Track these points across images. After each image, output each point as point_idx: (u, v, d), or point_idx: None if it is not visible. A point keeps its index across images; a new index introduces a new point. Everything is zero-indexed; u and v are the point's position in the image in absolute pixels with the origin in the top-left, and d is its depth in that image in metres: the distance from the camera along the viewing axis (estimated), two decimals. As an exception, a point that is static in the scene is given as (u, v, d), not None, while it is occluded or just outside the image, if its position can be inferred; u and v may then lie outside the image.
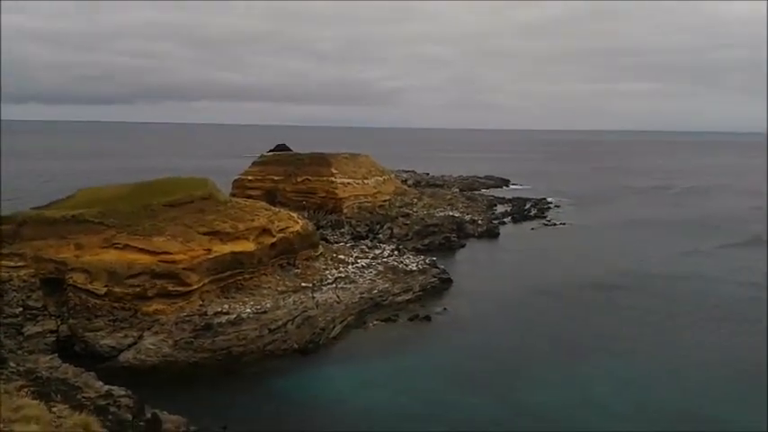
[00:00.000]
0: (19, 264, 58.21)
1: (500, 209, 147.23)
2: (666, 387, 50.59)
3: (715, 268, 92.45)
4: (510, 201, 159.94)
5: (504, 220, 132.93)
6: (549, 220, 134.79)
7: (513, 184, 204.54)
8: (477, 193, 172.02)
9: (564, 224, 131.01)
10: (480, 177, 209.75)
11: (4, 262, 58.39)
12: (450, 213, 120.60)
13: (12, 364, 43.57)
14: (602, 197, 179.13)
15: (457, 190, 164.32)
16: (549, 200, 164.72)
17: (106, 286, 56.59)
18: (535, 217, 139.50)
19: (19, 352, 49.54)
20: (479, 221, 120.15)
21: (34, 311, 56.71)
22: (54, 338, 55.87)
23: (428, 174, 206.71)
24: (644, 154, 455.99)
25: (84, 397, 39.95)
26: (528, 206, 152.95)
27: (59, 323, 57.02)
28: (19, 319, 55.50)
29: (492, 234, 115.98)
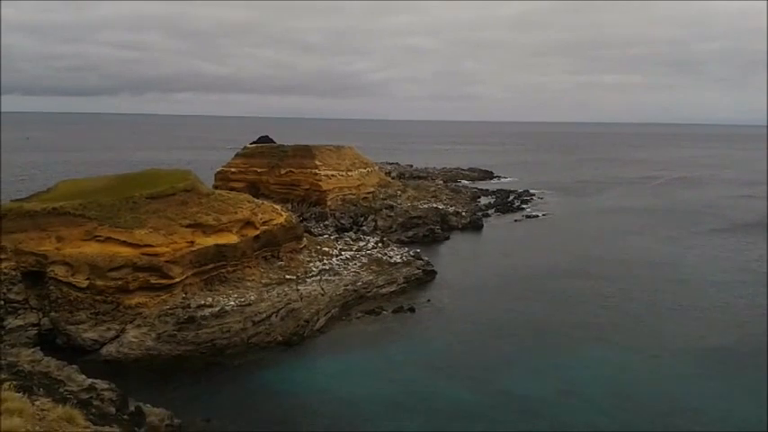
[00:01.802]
0: (-1, 257, 57.56)
1: (484, 200, 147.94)
2: (648, 376, 51.18)
3: (698, 256, 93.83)
4: (494, 192, 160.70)
5: (488, 211, 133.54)
6: (532, 212, 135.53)
7: (496, 176, 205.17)
8: (460, 185, 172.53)
9: (547, 215, 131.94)
10: (464, 169, 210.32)
11: (-17, 255, 57.73)
12: (434, 205, 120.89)
13: (-7, 358, 43.14)
14: (586, 188, 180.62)
15: (441, 182, 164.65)
16: (533, 191, 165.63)
17: (88, 279, 56.15)
18: (519, 208, 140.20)
19: (0, 345, 49.04)
20: (463, 213, 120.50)
21: (15, 305, 56.14)
22: (36, 332, 55.36)
23: (412, 166, 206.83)
24: (628, 145, 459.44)
25: (66, 390, 39.66)
26: (511, 198, 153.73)
27: (41, 316, 56.51)
28: (0, 312, 54.96)
29: (476, 226, 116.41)
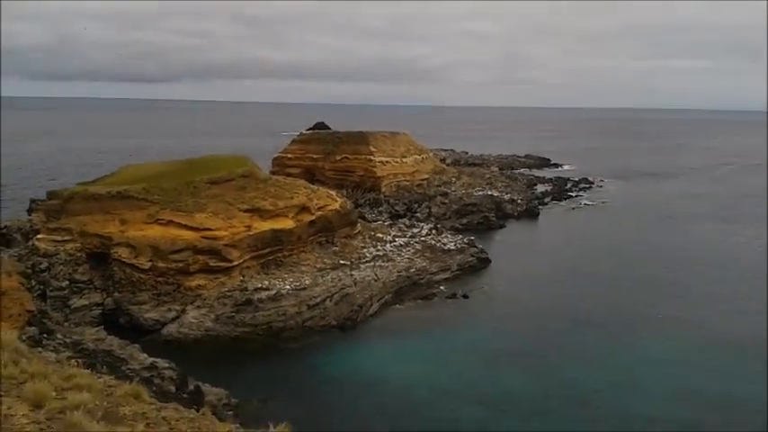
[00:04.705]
0: (66, 238, 59.79)
1: (540, 188, 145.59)
2: (707, 369, 49.80)
3: (763, 247, 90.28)
4: (551, 180, 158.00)
5: (545, 199, 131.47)
6: (590, 200, 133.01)
7: (554, 164, 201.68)
8: (517, 172, 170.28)
9: (606, 203, 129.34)
10: (521, 156, 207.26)
11: (51, 236, 60.09)
12: (489, 193, 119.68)
13: (59, 336, 44.94)
14: (649, 175, 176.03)
15: (496, 169, 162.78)
16: (591, 179, 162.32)
17: (150, 261, 57.84)
18: (576, 196, 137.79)
19: (66, 324, 51.06)
20: (519, 201, 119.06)
21: (80, 285, 58.32)
22: (99, 311, 57.46)
23: (467, 153, 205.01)
24: (693, 132, 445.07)
25: (128, 368, 41.12)
26: (569, 185, 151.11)
27: (105, 296, 58.60)
28: (65, 292, 57.16)
29: (532, 214, 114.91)
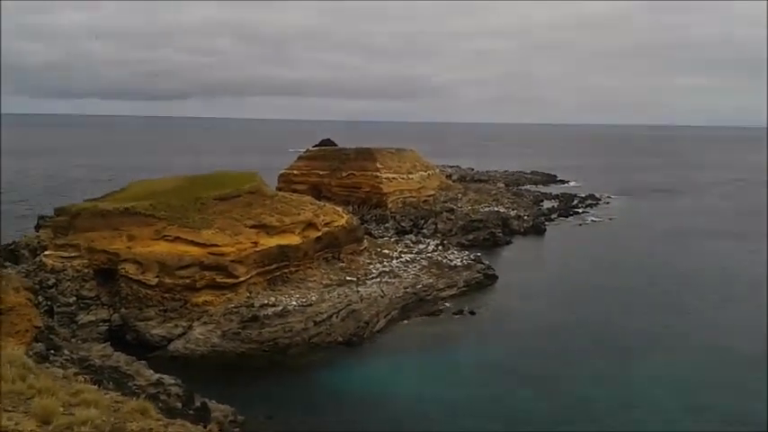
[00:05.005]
0: (73, 254, 60.01)
1: (547, 204, 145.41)
2: (718, 386, 49.38)
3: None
4: (557, 196, 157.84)
5: (551, 216, 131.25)
6: (597, 216, 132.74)
7: (560, 180, 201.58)
8: (523, 188, 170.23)
9: (613, 219, 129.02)
10: (527, 173, 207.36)
11: (58, 252, 60.33)
12: (496, 209, 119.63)
13: (66, 352, 44.99)
14: (657, 192, 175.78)
15: (503, 185, 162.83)
16: (598, 195, 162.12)
17: (157, 277, 57.96)
18: (583, 213, 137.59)
19: (73, 340, 51.08)
20: (525, 217, 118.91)
21: (87, 301, 58.44)
22: (106, 327, 57.48)
23: (473, 169, 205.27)
24: (701, 148, 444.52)
25: (135, 385, 41.09)
26: (575, 202, 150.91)
27: (112, 312, 58.64)
28: (73, 308, 57.28)
29: (538, 230, 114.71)
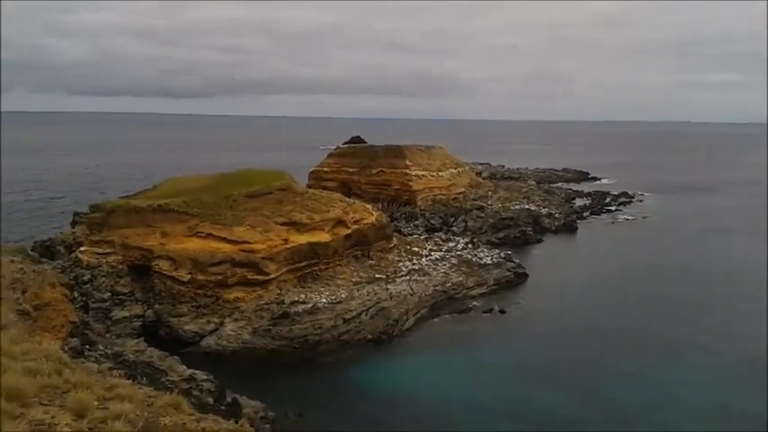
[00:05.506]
0: (108, 251, 60.98)
1: (579, 202, 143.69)
2: (747, 386, 48.39)
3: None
4: (589, 194, 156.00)
5: (583, 213, 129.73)
6: (630, 214, 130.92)
7: (592, 177, 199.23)
8: (554, 186, 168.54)
9: (647, 217, 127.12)
10: (558, 170, 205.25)
11: (93, 249, 61.34)
12: (527, 207, 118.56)
13: (100, 347, 45.70)
14: (687, 189, 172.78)
15: (533, 183, 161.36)
16: (631, 193, 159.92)
17: (190, 273, 58.62)
18: (616, 211, 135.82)
19: (107, 335, 51.89)
20: (556, 215, 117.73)
21: (122, 297, 59.32)
22: (140, 323, 58.29)
23: (503, 166, 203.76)
24: (729, 146, 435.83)
25: (168, 380, 41.56)
26: (608, 199, 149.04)
27: (145, 308, 59.45)
28: (107, 303, 58.19)
29: (570, 228, 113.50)
